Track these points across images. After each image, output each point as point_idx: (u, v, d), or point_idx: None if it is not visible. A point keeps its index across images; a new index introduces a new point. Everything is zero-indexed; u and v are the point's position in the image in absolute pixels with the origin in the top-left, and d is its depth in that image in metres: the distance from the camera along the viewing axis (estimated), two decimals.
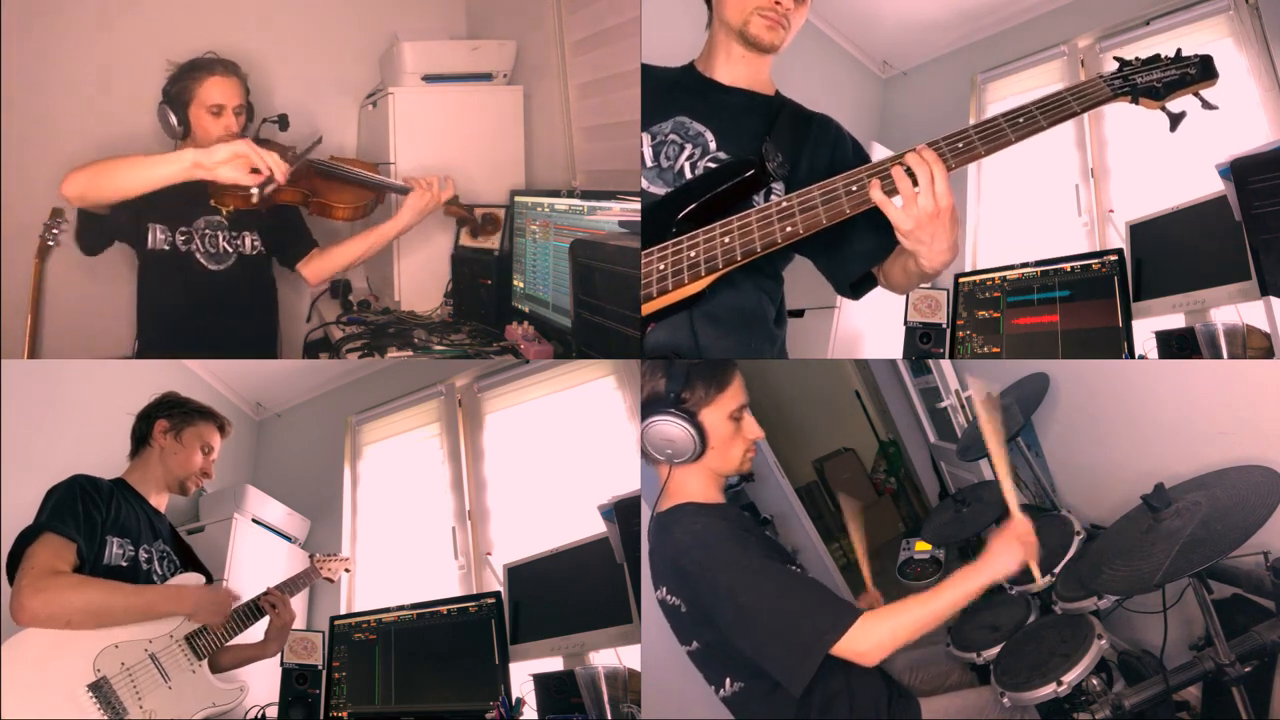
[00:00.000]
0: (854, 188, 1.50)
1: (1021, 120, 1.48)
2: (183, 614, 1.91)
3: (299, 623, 2.49)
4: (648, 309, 1.56)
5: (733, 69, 1.80)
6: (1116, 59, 1.55)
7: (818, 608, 1.46)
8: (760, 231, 1.52)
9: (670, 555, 1.60)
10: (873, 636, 1.42)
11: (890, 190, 1.47)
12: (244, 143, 2.20)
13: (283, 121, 2.67)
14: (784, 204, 1.53)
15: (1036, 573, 1.51)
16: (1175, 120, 1.50)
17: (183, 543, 2.16)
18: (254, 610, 2.10)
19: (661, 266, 1.55)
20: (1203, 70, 1.47)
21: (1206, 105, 1.50)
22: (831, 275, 1.85)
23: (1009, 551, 1.48)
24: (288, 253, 2.67)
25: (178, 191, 2.34)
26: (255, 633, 2.14)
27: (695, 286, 1.54)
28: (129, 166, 2.18)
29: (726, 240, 1.53)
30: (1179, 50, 1.51)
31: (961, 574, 1.49)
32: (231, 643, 2.03)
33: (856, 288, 1.82)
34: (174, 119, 2.47)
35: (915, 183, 1.44)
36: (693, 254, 1.54)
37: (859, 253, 1.75)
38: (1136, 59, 1.53)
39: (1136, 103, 1.51)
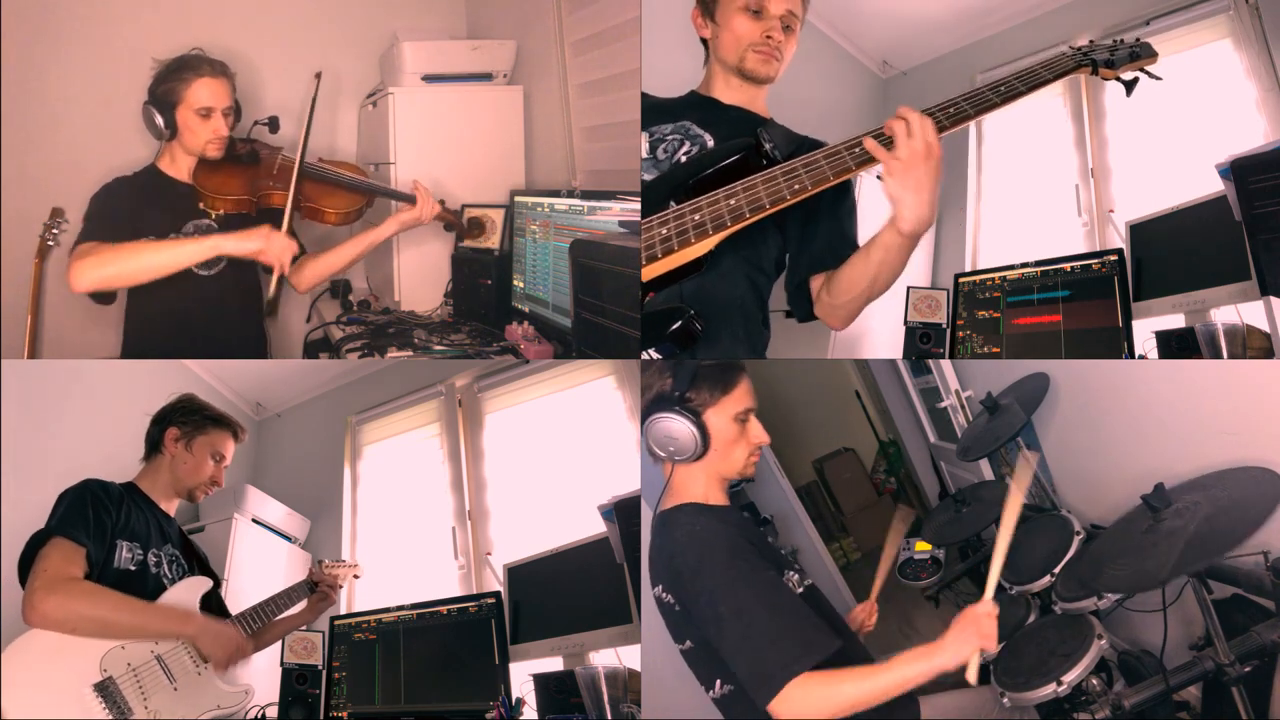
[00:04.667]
0: (856, 149, 1.54)
1: (1003, 89, 1.62)
2: (185, 638, 1.90)
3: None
4: (651, 272, 1.52)
5: (732, 95, 1.89)
6: (1071, 46, 1.77)
7: (788, 637, 1.41)
8: (766, 190, 1.51)
9: (668, 554, 1.60)
10: (809, 703, 1.35)
11: (883, 141, 1.52)
12: (279, 244, 2.28)
13: (273, 124, 2.59)
14: (788, 167, 1.54)
15: (974, 670, 1.38)
16: (1129, 86, 1.76)
17: (193, 547, 2.16)
18: (308, 586, 2.32)
19: (664, 231, 1.53)
20: (1146, 48, 1.76)
21: (1152, 76, 1.76)
22: (789, 277, 1.86)
23: (964, 641, 1.39)
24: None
25: (162, 200, 2.41)
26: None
27: (702, 247, 1.51)
28: (150, 255, 2.23)
29: (731, 202, 1.52)
30: (1121, 39, 1.79)
31: (912, 655, 1.42)
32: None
33: (798, 302, 1.85)
34: (160, 120, 2.39)
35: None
36: (696, 217, 1.52)
37: (815, 251, 1.78)
38: (1091, 41, 1.79)
39: (1096, 73, 1.73)
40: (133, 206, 2.37)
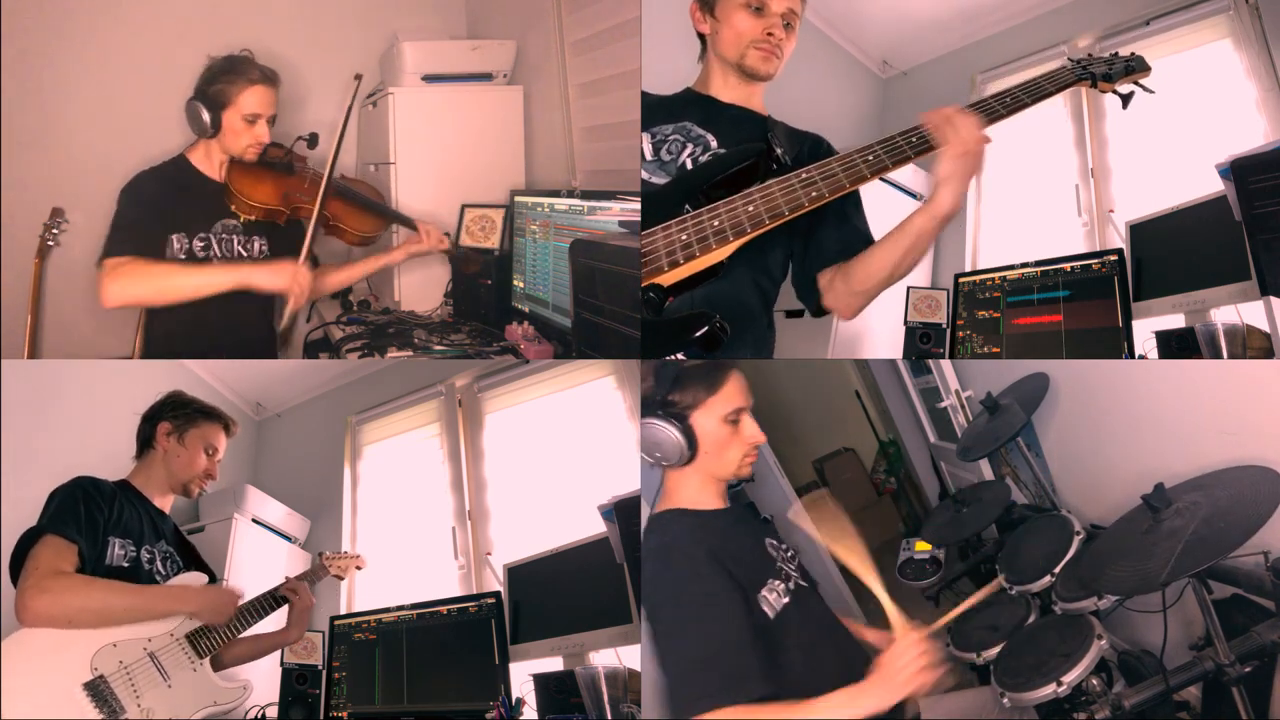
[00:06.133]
0: (870, 157, 1.55)
1: (1009, 99, 1.66)
2: (185, 613, 1.91)
3: None
4: (673, 277, 1.53)
5: (730, 92, 1.88)
6: (1070, 59, 1.81)
7: (712, 667, 1.34)
8: (784, 197, 1.53)
9: (643, 560, 1.58)
10: None
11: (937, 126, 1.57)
12: (303, 283, 2.33)
13: (312, 140, 2.60)
14: (804, 174, 1.55)
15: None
16: (1126, 100, 1.80)
17: (186, 543, 2.16)
18: (272, 600, 2.13)
19: (684, 237, 1.53)
20: (1140, 62, 1.80)
21: (1145, 89, 1.81)
22: (798, 279, 1.87)
23: (891, 679, 1.31)
24: None
25: (193, 195, 2.44)
26: (267, 625, 2.15)
27: (722, 253, 1.53)
28: (179, 280, 2.30)
29: (750, 208, 1.53)
30: (1115, 52, 1.84)
31: (837, 696, 1.33)
32: (250, 632, 2.06)
33: (809, 297, 1.84)
34: (206, 117, 2.39)
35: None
36: (715, 222, 1.53)
37: (828, 247, 1.79)
38: (1089, 54, 1.83)
39: (1095, 86, 1.77)
40: (160, 200, 2.38)
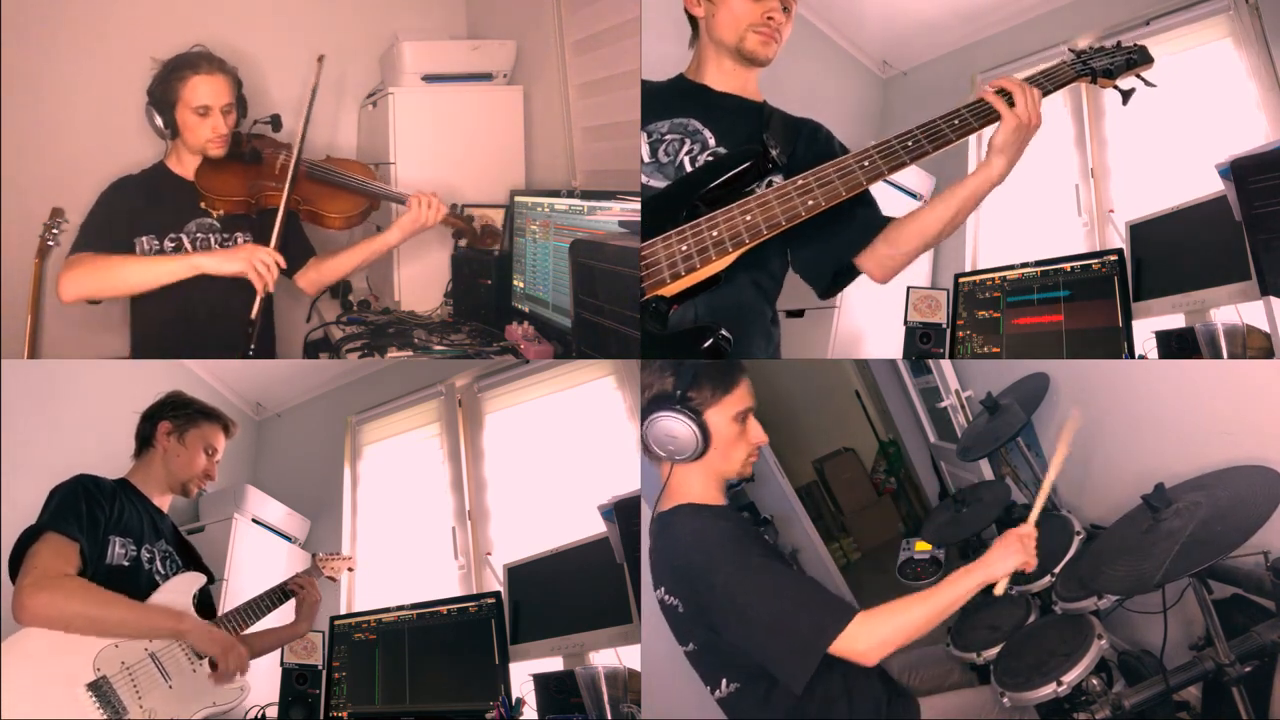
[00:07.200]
0: (865, 163, 1.56)
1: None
2: (177, 637, 1.88)
3: None
4: (674, 288, 1.56)
5: (724, 79, 1.85)
6: (1071, 50, 1.76)
7: (816, 605, 1.47)
8: (782, 207, 1.55)
9: (668, 555, 1.60)
10: (874, 635, 1.42)
11: (1002, 100, 1.59)
12: (261, 261, 2.23)
13: (275, 122, 2.57)
14: (800, 181, 1.57)
15: (1002, 586, 1.51)
16: (1126, 96, 1.75)
17: (185, 542, 2.16)
18: (281, 594, 2.16)
19: (684, 248, 1.56)
20: (1142, 55, 1.75)
21: (1147, 84, 1.76)
22: (814, 267, 1.86)
23: (1008, 555, 1.50)
24: (286, 262, 2.52)
25: (166, 198, 2.41)
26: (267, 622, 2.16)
27: (722, 263, 1.56)
28: (129, 270, 2.27)
29: (748, 218, 1.56)
30: (1119, 42, 1.78)
31: (961, 572, 1.50)
32: (258, 626, 2.08)
33: (837, 278, 1.85)
34: (159, 120, 2.39)
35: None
36: (714, 233, 1.56)
37: (845, 241, 1.79)
38: (1090, 47, 1.76)
39: (1095, 83, 1.73)
40: (135, 207, 2.37)
